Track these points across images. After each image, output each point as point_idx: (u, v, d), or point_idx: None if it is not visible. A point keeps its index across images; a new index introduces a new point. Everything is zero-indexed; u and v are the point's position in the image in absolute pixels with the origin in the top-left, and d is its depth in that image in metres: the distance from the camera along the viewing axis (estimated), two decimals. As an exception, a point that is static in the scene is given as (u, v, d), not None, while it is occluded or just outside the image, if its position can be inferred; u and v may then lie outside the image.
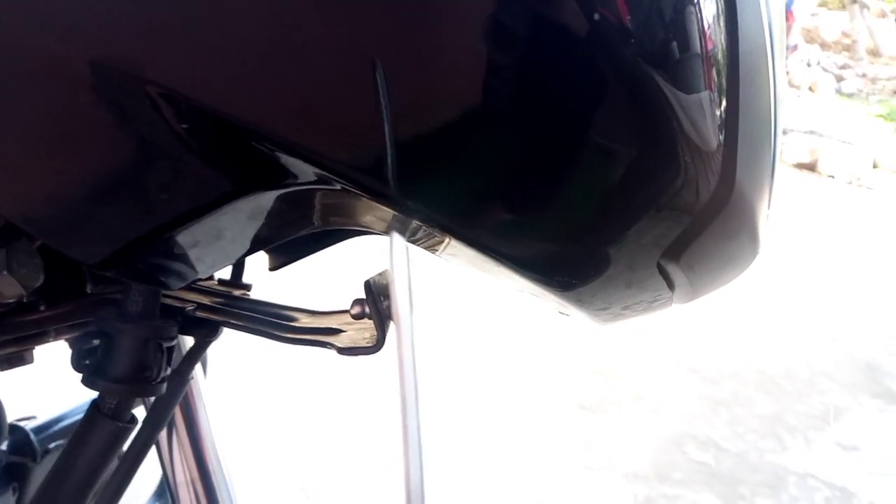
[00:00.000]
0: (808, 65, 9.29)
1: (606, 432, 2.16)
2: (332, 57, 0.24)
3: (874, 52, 10.27)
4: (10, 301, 0.31)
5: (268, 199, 0.28)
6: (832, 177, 5.54)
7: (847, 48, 10.41)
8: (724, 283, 0.36)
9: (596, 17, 0.24)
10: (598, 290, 0.31)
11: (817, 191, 5.16)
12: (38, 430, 0.73)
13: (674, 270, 0.32)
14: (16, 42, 0.24)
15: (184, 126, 0.24)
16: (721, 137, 0.27)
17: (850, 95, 8.90)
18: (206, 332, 0.37)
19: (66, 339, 0.39)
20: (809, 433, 2.24)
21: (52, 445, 0.73)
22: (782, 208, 4.48)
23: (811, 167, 5.65)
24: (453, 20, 0.24)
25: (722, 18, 0.28)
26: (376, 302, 0.33)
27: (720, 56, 0.27)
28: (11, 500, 0.71)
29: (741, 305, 3.00)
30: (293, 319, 0.42)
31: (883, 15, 11.06)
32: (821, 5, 11.50)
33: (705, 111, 0.27)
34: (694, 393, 2.40)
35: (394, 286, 0.28)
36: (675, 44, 0.26)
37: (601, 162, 0.26)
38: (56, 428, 0.75)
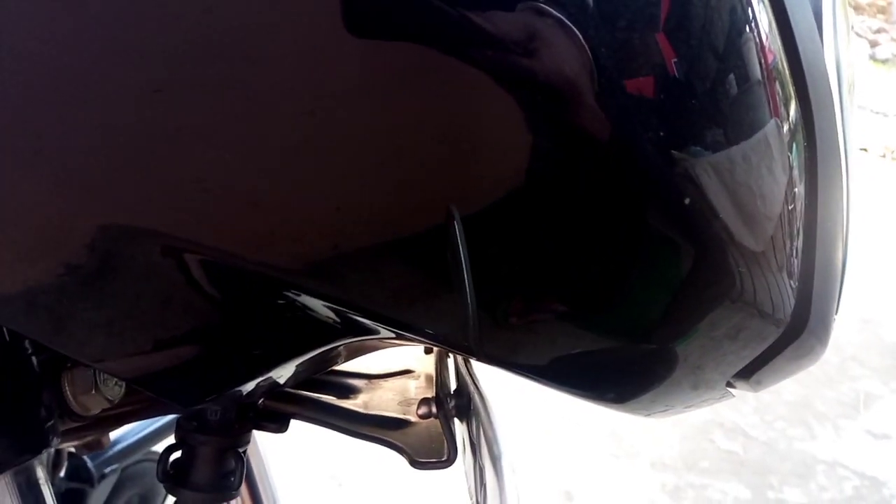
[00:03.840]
0: (841, 30, 8.97)
1: (632, 420, 2.17)
2: (410, 218, 0.24)
3: (911, 15, 9.90)
4: (95, 413, 0.32)
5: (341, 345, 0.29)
6: (865, 150, 5.41)
7: (882, 11, 10.05)
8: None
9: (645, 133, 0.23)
10: (648, 405, 0.31)
11: (849, 165, 5.03)
12: (95, 455, 0.76)
13: (741, 385, 0.32)
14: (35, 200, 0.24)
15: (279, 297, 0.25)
16: (795, 281, 0.27)
17: (884, 61, 8.62)
18: (276, 427, 0.38)
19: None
20: (839, 421, 2.23)
21: (107, 470, 0.76)
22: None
23: (843, 140, 5.50)
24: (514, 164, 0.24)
25: (797, 134, 0.27)
26: (444, 405, 0.34)
27: (798, 183, 0.27)
28: (71, 523, 0.74)
29: (770, 288, 2.96)
30: (354, 390, 0.43)
31: (921, -25, 10.63)
32: (855, -34, 11.09)
33: (778, 256, 0.26)
34: (722, 379, 2.39)
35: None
36: (747, 180, 0.25)
37: (669, 303, 0.26)
38: (112, 453, 0.78)
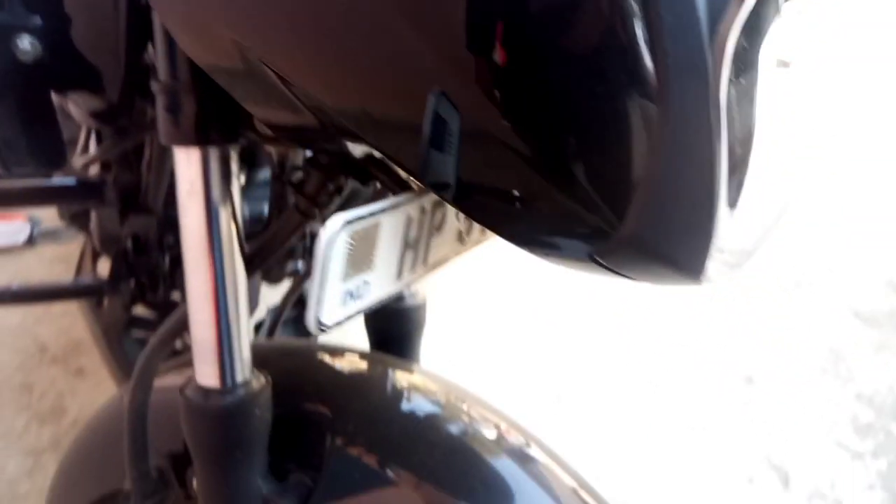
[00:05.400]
0: None
1: (862, 354, 1.98)
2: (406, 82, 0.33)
3: None
4: (266, 135, 0.55)
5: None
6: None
7: None
8: (669, 285, 0.38)
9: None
10: (521, 234, 0.36)
11: None
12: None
13: (605, 261, 0.36)
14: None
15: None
16: (622, 186, 0.31)
17: None
18: (359, 179, 0.54)
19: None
20: None
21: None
22: None
23: None
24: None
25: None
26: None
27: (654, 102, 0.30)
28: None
29: None
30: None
31: None
32: None
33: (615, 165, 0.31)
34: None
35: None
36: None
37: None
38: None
